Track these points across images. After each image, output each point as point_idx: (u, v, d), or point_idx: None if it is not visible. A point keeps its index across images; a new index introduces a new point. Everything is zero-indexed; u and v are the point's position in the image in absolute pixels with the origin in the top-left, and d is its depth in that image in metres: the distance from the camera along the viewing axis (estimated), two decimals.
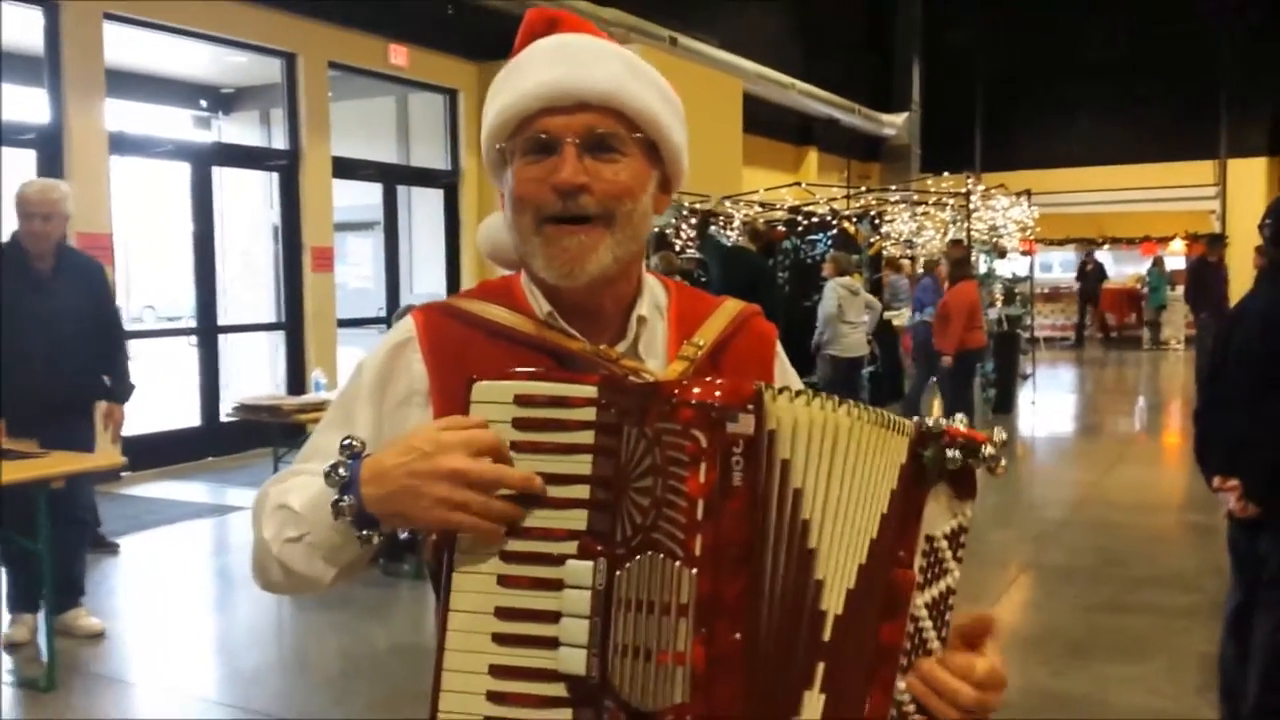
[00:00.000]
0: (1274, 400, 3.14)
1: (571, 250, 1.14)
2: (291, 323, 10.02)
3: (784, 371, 1.32)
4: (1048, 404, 12.51)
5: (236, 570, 6.30)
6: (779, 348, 1.33)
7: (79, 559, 4.93)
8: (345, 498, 1.04)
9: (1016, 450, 9.60)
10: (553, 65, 1.17)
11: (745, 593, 0.96)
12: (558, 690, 1.00)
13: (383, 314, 11.29)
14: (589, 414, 1.01)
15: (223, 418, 5.10)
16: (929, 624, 1.05)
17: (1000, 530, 6.58)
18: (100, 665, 4.61)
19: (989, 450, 1.04)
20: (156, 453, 8.39)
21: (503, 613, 1.02)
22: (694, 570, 0.94)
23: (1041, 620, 5.12)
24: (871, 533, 1.03)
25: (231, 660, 4.87)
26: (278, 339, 10.18)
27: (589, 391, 1.02)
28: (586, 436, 1.01)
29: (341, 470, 1.05)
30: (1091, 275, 19.79)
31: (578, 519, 1.01)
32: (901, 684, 1.04)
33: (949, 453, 1.04)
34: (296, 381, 9.71)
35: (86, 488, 4.95)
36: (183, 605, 5.41)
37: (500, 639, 1.01)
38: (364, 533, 1.06)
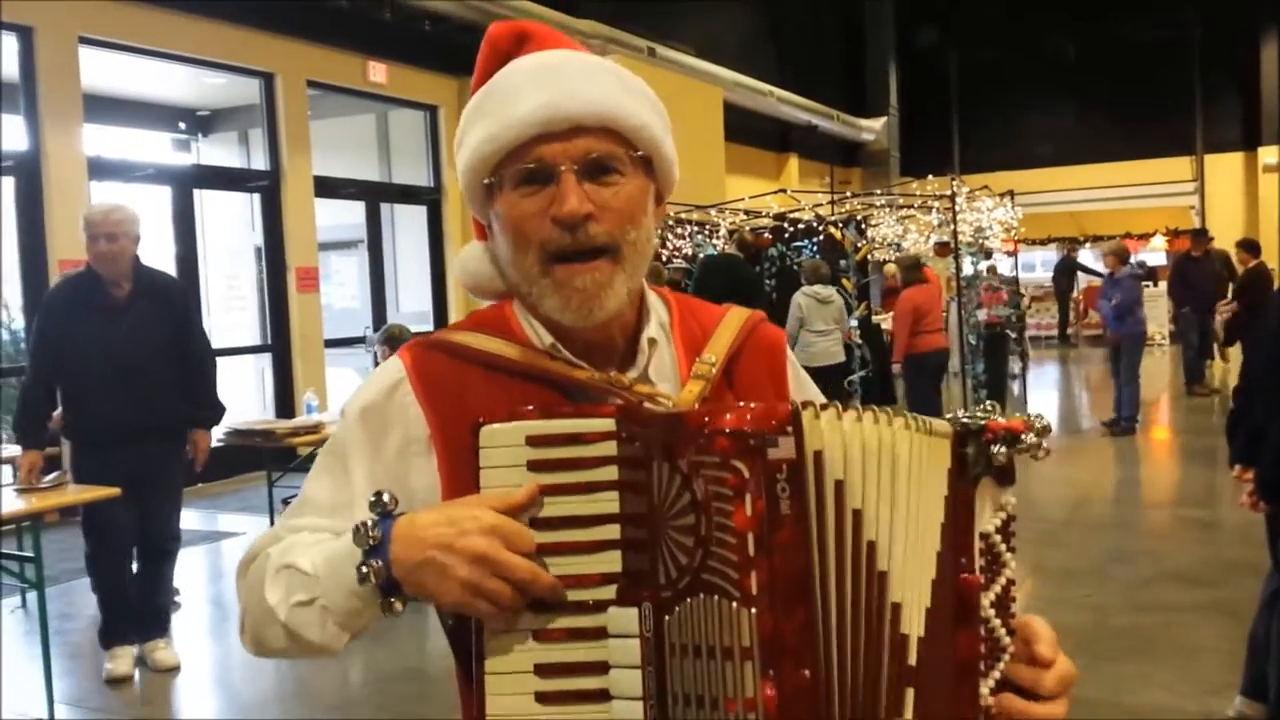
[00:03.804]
0: None
1: (587, 290, 1.07)
2: (278, 344, 9.92)
3: (797, 377, 1.26)
4: (1039, 403, 12.52)
5: (232, 598, 6.21)
6: (789, 353, 1.27)
7: (165, 590, 4.91)
8: (373, 560, 0.97)
9: None
10: (539, 88, 1.07)
11: (807, 626, 0.89)
12: None
13: (370, 333, 11.20)
14: (609, 449, 0.96)
15: (213, 443, 5.11)
16: (998, 623, 1.02)
17: None
18: (92, 698, 4.51)
19: (1031, 438, 1.02)
20: None
21: (543, 670, 0.96)
22: (753, 610, 0.88)
23: (1049, 623, 5.06)
24: (936, 545, 0.99)
25: (232, 690, 4.78)
26: (264, 361, 10.08)
27: (606, 425, 0.96)
28: (609, 473, 0.96)
29: (373, 530, 0.97)
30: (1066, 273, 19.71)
31: (611, 561, 0.95)
32: (985, 689, 1.01)
33: (993, 448, 1.01)
34: (285, 404, 9.60)
35: (174, 518, 4.84)
36: (181, 635, 5.31)
37: (544, 698, 0.95)
38: (389, 600, 0.98)
